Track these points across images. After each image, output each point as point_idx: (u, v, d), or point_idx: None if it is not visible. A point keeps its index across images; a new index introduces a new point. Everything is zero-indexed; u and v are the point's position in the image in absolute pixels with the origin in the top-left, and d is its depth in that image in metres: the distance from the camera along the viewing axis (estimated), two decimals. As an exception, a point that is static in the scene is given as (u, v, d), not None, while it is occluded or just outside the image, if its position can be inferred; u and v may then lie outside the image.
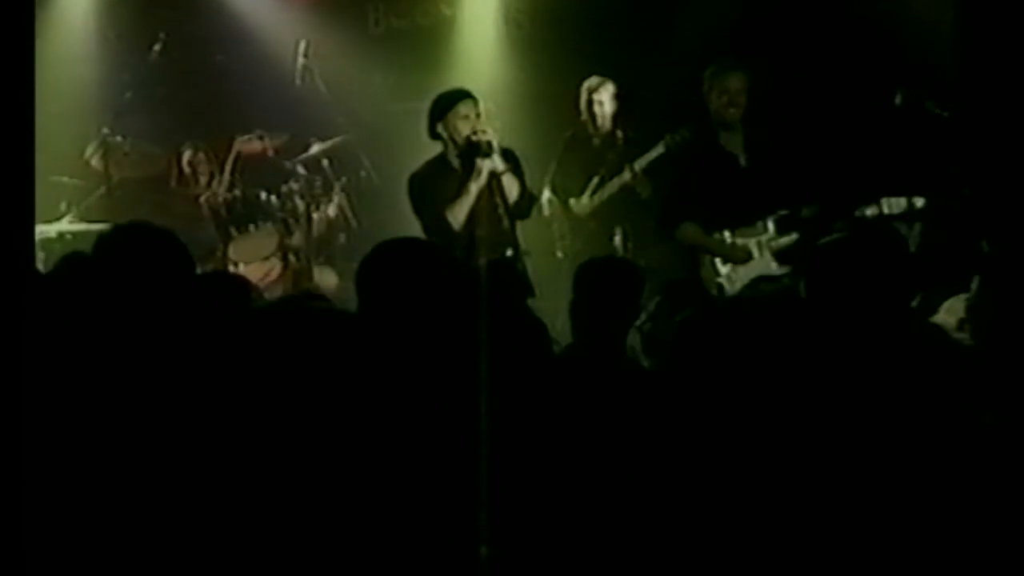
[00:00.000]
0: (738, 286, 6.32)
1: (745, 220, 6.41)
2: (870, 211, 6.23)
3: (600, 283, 4.54)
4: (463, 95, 6.44)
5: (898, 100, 6.71)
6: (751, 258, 6.38)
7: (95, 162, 8.41)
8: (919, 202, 6.32)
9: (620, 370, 4.22)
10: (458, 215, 6.25)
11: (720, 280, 6.39)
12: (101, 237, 3.62)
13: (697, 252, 6.49)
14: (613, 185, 7.34)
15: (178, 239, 3.59)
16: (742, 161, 6.39)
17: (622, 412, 3.42)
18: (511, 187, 6.30)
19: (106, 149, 8.37)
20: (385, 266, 3.38)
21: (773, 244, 6.35)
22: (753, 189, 6.39)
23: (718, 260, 6.49)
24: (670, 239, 6.56)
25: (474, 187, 6.25)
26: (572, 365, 4.26)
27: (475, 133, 6.28)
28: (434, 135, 6.40)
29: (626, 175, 7.27)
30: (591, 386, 3.80)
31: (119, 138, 8.46)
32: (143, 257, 3.39)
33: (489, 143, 6.27)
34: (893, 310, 3.31)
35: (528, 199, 6.49)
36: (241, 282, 4.27)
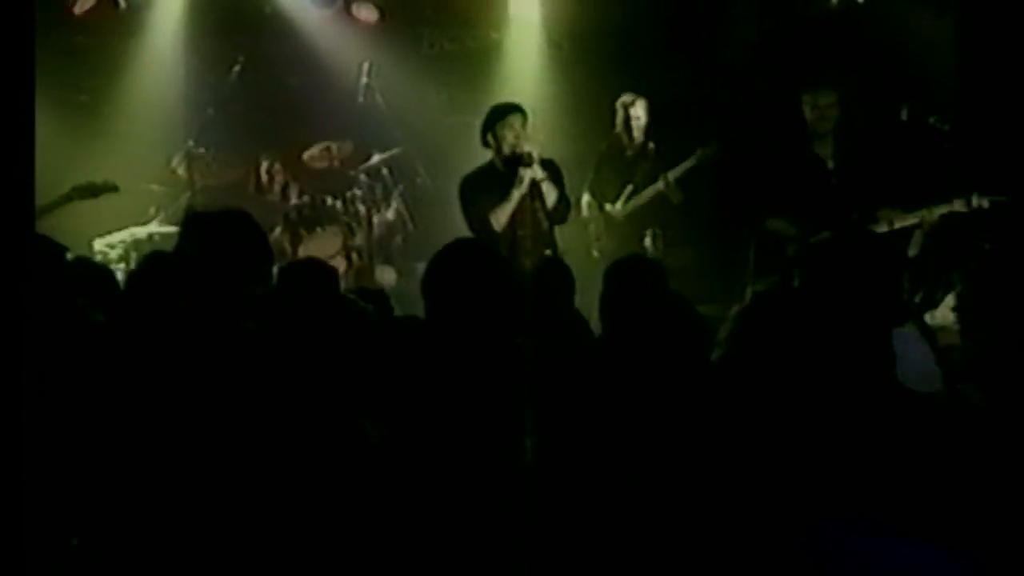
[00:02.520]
0: None
1: (836, 215, 6.37)
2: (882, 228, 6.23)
3: (626, 279, 4.51)
4: (513, 108, 6.51)
5: (903, 115, 6.79)
6: None
7: (181, 171, 8.58)
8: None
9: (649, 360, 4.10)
10: (500, 218, 6.33)
11: None
12: (202, 221, 3.65)
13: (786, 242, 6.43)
14: (647, 192, 7.38)
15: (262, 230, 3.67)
16: (830, 166, 6.45)
17: (657, 401, 3.35)
18: (550, 194, 6.37)
19: (191, 159, 8.54)
20: (454, 263, 3.38)
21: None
22: (839, 191, 6.41)
23: None
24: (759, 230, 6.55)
25: (516, 193, 6.33)
26: (602, 356, 4.16)
27: (518, 144, 6.35)
28: (484, 143, 6.48)
29: (659, 184, 7.31)
30: (622, 376, 3.71)
31: (202, 149, 8.64)
32: (243, 238, 3.45)
33: (530, 153, 6.34)
34: (877, 302, 3.32)
35: (565, 205, 6.52)
36: (331, 269, 4.47)
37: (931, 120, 6.65)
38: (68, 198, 6.58)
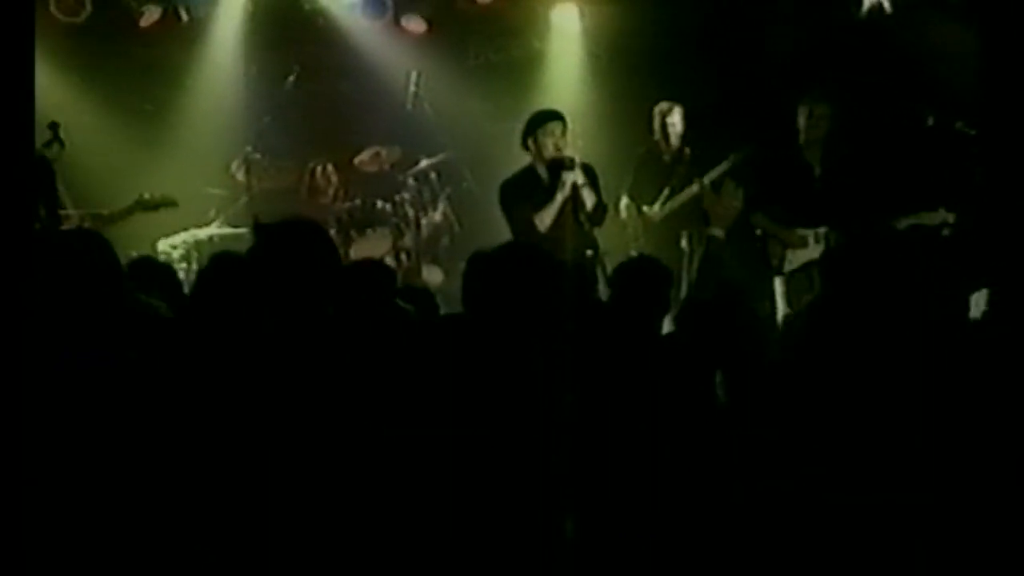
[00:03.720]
0: (795, 264, 6.79)
1: (809, 219, 6.68)
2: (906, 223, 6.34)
3: (631, 280, 4.54)
4: (553, 115, 6.61)
5: (930, 121, 6.78)
6: (806, 245, 6.76)
7: (239, 175, 8.68)
8: (951, 217, 6.38)
9: (659, 354, 4.10)
10: (544, 220, 6.41)
11: (783, 258, 6.85)
12: (268, 229, 3.51)
13: (766, 236, 6.91)
14: (683, 196, 7.31)
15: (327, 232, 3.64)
16: (816, 171, 6.74)
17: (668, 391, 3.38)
18: (589, 197, 6.46)
19: (248, 164, 8.62)
20: (499, 265, 3.37)
21: (828, 236, 6.67)
22: (821, 194, 6.66)
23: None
24: (744, 230, 6.82)
25: (560, 196, 6.42)
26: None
27: (558, 150, 6.45)
28: (525, 147, 6.57)
29: (695, 187, 7.21)
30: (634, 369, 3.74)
31: (259, 155, 8.71)
32: (309, 245, 3.33)
33: (572, 158, 6.45)
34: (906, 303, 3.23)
35: (602, 209, 6.58)
36: (390, 270, 4.53)
37: (958, 125, 6.66)
38: (131, 210, 6.77)
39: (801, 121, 6.73)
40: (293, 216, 3.81)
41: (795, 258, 6.77)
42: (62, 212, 6.86)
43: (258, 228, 3.68)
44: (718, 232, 7.00)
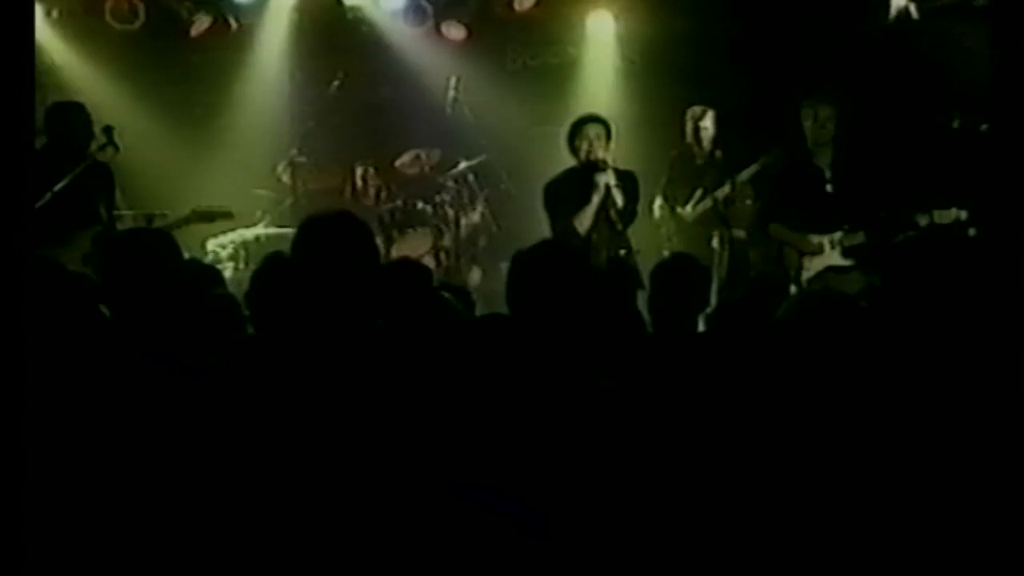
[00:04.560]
0: (812, 272, 6.53)
1: (826, 223, 6.49)
2: (923, 221, 6.34)
3: (670, 279, 4.53)
4: (590, 119, 6.68)
5: (956, 124, 6.90)
6: (823, 251, 6.52)
7: (285, 177, 8.79)
8: (963, 214, 6.34)
9: (696, 349, 4.10)
10: (584, 222, 6.47)
11: (800, 267, 6.58)
12: (314, 223, 3.54)
13: (782, 245, 6.66)
14: (714, 196, 7.25)
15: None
16: (827, 175, 6.56)
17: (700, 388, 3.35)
18: (619, 198, 6.51)
19: (294, 166, 8.75)
20: (539, 263, 3.36)
21: (844, 242, 6.50)
22: (834, 198, 6.50)
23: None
24: (764, 233, 6.76)
25: (596, 198, 6.47)
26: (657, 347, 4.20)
27: (592, 151, 6.49)
28: (571, 150, 6.62)
29: (726, 188, 7.23)
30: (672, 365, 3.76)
31: (304, 157, 8.82)
32: (350, 239, 3.34)
33: (604, 159, 6.48)
34: (963, 302, 3.18)
35: (632, 211, 6.61)
36: (425, 269, 4.52)
37: (982, 128, 6.71)
38: (188, 220, 6.85)
39: (807, 124, 6.60)
40: (335, 211, 3.83)
41: (812, 266, 6.56)
42: (116, 213, 7.02)
43: (302, 224, 3.67)
44: (740, 233, 7.23)
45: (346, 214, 3.56)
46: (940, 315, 3.15)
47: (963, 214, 6.34)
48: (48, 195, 6.14)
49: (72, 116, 6.56)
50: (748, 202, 6.40)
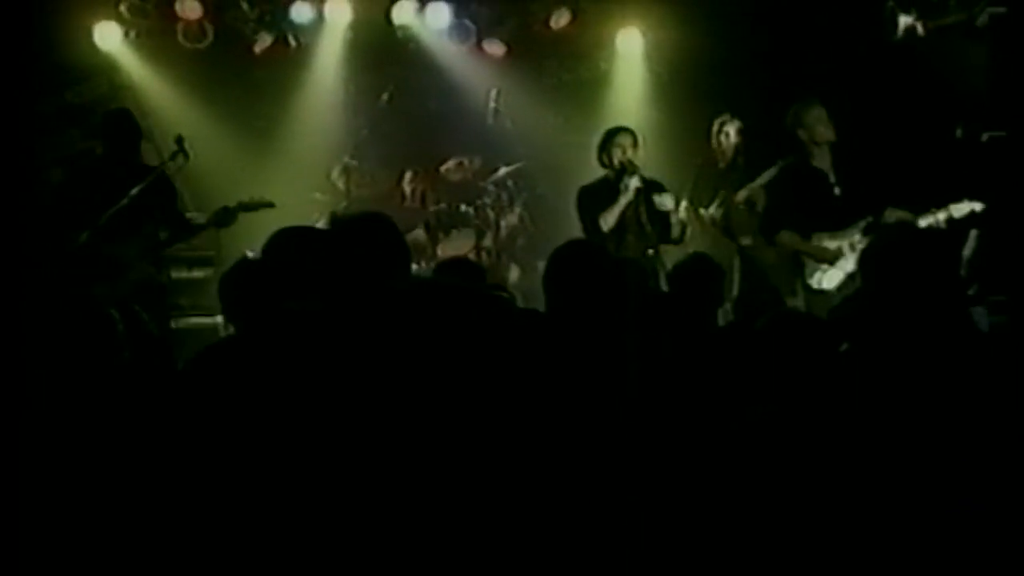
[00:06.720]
0: (832, 281, 6.24)
1: (836, 226, 6.29)
2: (942, 215, 6.19)
3: (687, 276, 4.67)
4: (621, 129, 6.94)
5: (959, 133, 6.93)
6: (841, 257, 6.21)
7: (339, 183, 8.89)
8: (978, 207, 6.20)
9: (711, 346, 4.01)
10: (608, 220, 6.70)
11: (818, 274, 6.28)
12: (346, 223, 3.56)
13: (798, 254, 6.35)
14: (735, 199, 7.29)
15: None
16: (832, 177, 6.33)
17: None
18: (649, 201, 6.74)
19: (347, 172, 8.86)
20: (573, 261, 3.39)
21: (860, 245, 6.00)
22: (842, 200, 6.32)
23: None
24: (772, 245, 6.56)
25: (623, 199, 6.71)
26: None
27: (624, 158, 6.72)
28: (601, 162, 6.84)
29: (744, 192, 7.23)
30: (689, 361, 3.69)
31: (357, 163, 8.93)
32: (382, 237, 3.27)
33: (631, 162, 6.70)
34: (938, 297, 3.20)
35: (661, 215, 6.75)
36: (479, 268, 4.75)
37: (984, 137, 6.68)
38: (235, 211, 7.02)
39: (799, 131, 6.37)
40: (364, 212, 3.88)
41: (831, 271, 6.26)
42: (189, 215, 7.39)
43: (332, 223, 3.68)
44: (747, 241, 7.28)
45: (376, 215, 3.52)
46: (916, 314, 3.17)
47: (977, 206, 6.23)
48: (125, 200, 6.49)
49: (120, 122, 6.83)
50: (742, 207, 6.47)
